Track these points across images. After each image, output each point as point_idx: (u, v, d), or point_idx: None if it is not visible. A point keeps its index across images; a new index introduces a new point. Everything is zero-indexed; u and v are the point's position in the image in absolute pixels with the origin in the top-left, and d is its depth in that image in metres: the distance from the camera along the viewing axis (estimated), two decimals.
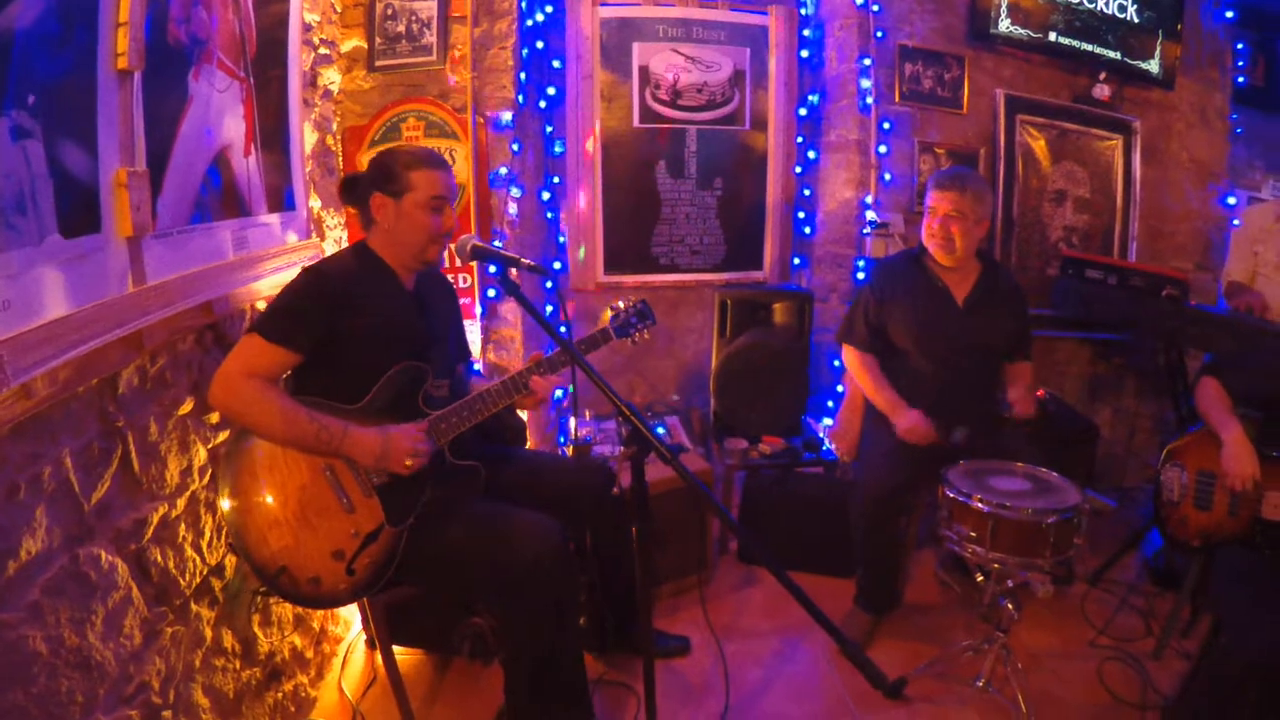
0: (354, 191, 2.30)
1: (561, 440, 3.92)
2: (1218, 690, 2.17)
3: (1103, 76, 4.49)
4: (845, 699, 2.76)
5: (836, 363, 4.08)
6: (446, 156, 3.34)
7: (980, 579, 2.67)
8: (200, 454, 2.03)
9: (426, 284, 2.46)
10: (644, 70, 4.39)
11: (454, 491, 2.30)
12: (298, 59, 2.66)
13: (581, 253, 4.43)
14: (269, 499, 2.08)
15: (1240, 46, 4.96)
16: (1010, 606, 2.53)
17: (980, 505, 2.40)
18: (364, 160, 3.34)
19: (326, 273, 2.19)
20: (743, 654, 2.99)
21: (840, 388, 4.16)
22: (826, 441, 3.95)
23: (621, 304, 2.58)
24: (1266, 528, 2.46)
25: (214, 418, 2.11)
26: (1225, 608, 2.36)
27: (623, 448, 1.79)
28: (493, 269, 2.92)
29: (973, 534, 2.43)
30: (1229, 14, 4.82)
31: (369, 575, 2.14)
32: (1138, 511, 4.06)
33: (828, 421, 4.28)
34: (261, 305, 2.42)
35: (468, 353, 2.75)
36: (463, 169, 3.37)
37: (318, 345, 2.10)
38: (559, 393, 2.70)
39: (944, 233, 3.00)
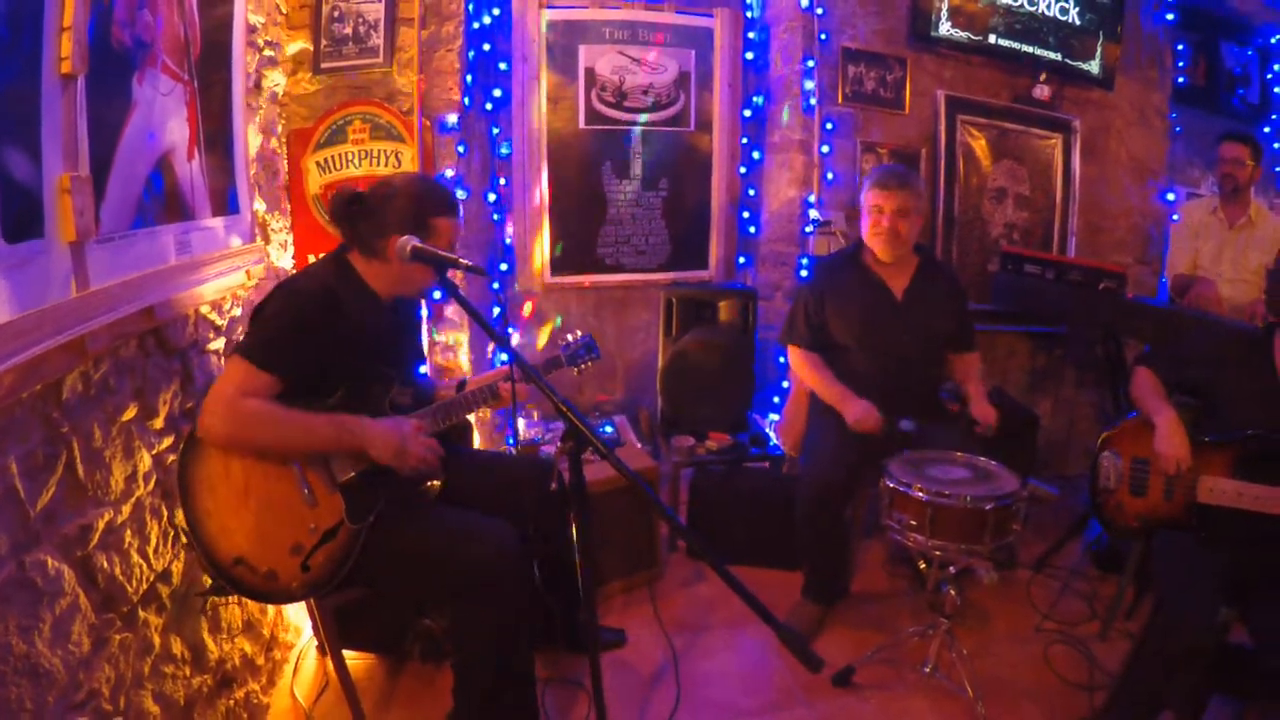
0: (354, 216, 2.20)
1: (510, 441, 3.92)
2: (1159, 668, 2.25)
3: (1043, 77, 4.60)
4: (794, 689, 2.81)
5: (781, 359, 4.13)
6: (392, 160, 3.34)
7: (923, 566, 2.73)
8: (145, 460, 2.00)
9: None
10: (590, 72, 4.42)
11: (410, 494, 2.32)
12: (242, 61, 2.64)
13: (542, 253, 4.45)
14: (233, 488, 2.09)
15: (1180, 47, 5.10)
16: (953, 592, 2.60)
17: (920, 494, 2.47)
18: (308, 163, 3.32)
19: (308, 296, 2.13)
20: (694, 648, 3.03)
21: (785, 383, 4.21)
22: (772, 437, 4.00)
23: (570, 337, 2.69)
24: (1201, 511, 2.54)
25: (158, 423, 2.08)
26: (1164, 589, 2.44)
27: (560, 443, 1.82)
28: None
29: (913, 522, 2.49)
30: (1169, 16, 4.96)
31: (324, 573, 2.14)
32: (1079, 499, 4.16)
33: (774, 417, 4.34)
34: (205, 310, 2.40)
35: (423, 356, 2.74)
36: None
37: (301, 367, 2.10)
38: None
39: (893, 230, 3.08)
